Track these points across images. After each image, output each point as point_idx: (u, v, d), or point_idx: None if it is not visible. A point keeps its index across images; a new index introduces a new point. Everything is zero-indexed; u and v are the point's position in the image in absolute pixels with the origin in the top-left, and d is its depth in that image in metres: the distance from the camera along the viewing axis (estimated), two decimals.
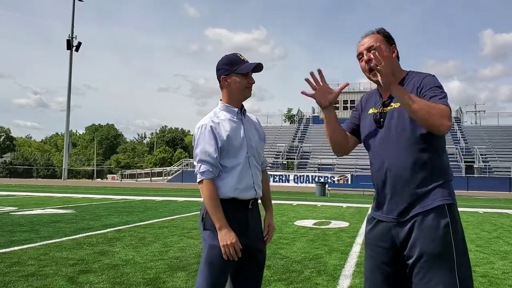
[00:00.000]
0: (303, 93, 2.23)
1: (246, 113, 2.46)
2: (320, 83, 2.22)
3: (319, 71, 2.20)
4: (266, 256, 2.45)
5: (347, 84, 2.21)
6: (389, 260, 2.15)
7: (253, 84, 2.39)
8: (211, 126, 2.30)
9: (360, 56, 2.23)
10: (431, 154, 2.07)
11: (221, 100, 2.43)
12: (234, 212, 2.28)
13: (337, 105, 49.40)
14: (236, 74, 2.33)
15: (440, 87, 2.07)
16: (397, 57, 2.25)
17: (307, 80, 2.22)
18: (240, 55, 2.38)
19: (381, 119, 2.17)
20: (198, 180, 2.29)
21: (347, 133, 2.41)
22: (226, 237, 2.20)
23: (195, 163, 2.33)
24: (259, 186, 2.40)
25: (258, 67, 2.34)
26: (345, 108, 49.08)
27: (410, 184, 2.06)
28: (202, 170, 2.26)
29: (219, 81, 2.39)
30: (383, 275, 2.17)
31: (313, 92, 2.23)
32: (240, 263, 2.30)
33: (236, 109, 2.40)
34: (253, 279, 2.37)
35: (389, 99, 2.20)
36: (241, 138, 2.35)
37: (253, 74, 2.38)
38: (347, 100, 49.20)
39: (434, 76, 2.13)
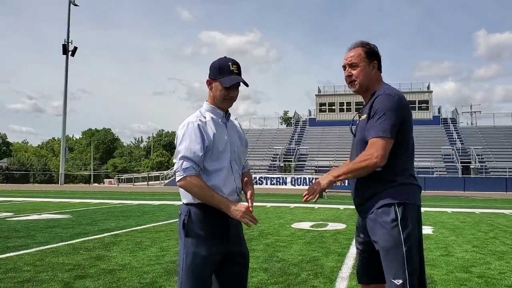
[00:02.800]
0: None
1: (230, 118, 2.43)
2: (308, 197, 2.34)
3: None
4: (249, 259, 2.44)
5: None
6: (369, 249, 2.43)
7: (234, 97, 2.33)
8: (198, 125, 2.24)
9: (344, 68, 2.52)
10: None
11: (206, 101, 2.39)
12: (216, 216, 2.23)
13: (334, 107, 49.49)
14: (218, 83, 2.30)
15: (384, 109, 2.26)
16: (379, 69, 2.48)
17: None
18: (232, 64, 2.32)
19: (353, 128, 2.55)
20: (179, 177, 2.19)
21: None
22: (238, 209, 2.17)
23: (175, 160, 2.23)
24: (240, 190, 2.38)
25: (238, 84, 2.30)
26: (341, 110, 49.15)
27: (365, 186, 2.38)
28: (185, 167, 2.17)
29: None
30: (366, 261, 2.49)
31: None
32: (223, 269, 2.30)
33: (222, 112, 2.36)
34: (238, 282, 2.36)
35: (362, 109, 2.50)
36: (225, 141, 2.30)
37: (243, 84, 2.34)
38: (343, 102, 49.22)
39: (388, 95, 2.32)
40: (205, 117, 2.30)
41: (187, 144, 2.19)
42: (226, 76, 2.29)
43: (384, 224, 2.26)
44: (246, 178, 2.40)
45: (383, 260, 2.27)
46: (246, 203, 2.26)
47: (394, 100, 2.28)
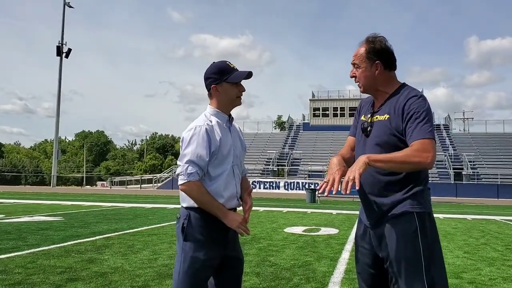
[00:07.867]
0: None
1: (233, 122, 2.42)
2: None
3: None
4: (244, 263, 2.45)
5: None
6: (371, 262, 2.26)
7: (244, 91, 2.35)
8: (206, 129, 2.22)
9: None
10: None
11: (210, 105, 2.36)
12: (215, 221, 2.23)
13: (327, 112, 49.67)
14: (227, 83, 2.28)
15: (424, 111, 2.10)
16: (388, 67, 2.25)
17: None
18: (229, 62, 2.33)
19: (368, 128, 2.28)
20: (182, 181, 2.17)
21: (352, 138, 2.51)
22: (235, 219, 2.21)
23: (180, 163, 2.19)
24: (239, 195, 2.38)
25: (249, 75, 2.31)
26: (335, 115, 49.35)
27: (382, 192, 2.18)
28: (190, 172, 2.16)
29: (208, 90, 2.33)
30: (368, 275, 2.29)
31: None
32: (218, 273, 2.31)
33: (226, 116, 2.35)
34: (233, 287, 2.37)
35: (378, 109, 2.28)
36: (229, 146, 2.29)
37: (243, 81, 2.34)
38: (337, 107, 49.44)
39: (420, 97, 2.15)
40: (211, 121, 2.28)
41: (194, 148, 2.17)
42: (232, 74, 2.28)
43: (402, 234, 2.09)
44: (250, 189, 2.39)
45: (397, 273, 2.08)
46: (242, 214, 2.28)
47: (427, 104, 2.15)
